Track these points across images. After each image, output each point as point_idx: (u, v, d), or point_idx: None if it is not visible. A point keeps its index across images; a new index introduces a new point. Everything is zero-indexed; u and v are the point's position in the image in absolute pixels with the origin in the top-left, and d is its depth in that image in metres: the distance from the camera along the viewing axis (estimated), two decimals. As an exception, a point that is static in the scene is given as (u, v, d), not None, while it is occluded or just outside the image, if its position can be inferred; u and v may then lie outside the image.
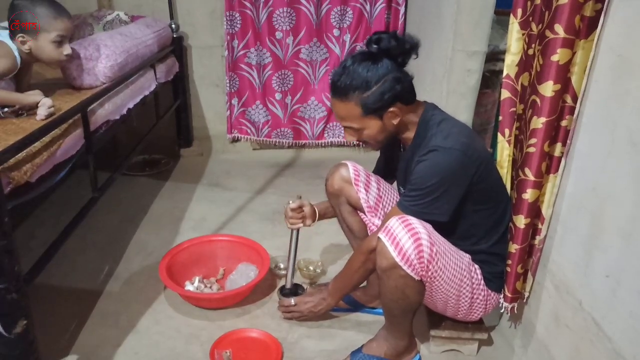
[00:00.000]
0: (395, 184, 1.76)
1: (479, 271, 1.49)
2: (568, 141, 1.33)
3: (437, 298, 1.46)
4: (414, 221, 1.33)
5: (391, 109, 1.38)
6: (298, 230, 1.76)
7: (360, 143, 1.52)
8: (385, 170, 1.72)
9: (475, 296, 1.49)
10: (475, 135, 1.49)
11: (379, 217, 1.64)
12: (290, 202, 1.75)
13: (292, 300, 1.72)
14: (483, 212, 1.46)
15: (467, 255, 1.48)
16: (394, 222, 1.33)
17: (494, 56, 2.45)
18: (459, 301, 1.48)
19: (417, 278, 1.35)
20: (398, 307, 1.44)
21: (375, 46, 1.37)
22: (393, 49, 1.35)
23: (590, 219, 1.26)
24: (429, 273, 1.35)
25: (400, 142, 1.54)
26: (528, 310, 1.56)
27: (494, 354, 1.66)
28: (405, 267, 1.32)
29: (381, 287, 1.42)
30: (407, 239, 1.30)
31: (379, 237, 1.35)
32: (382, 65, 1.35)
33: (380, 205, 1.65)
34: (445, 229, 1.41)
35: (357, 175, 1.65)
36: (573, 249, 1.34)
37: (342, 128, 1.50)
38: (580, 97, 1.28)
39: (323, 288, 1.70)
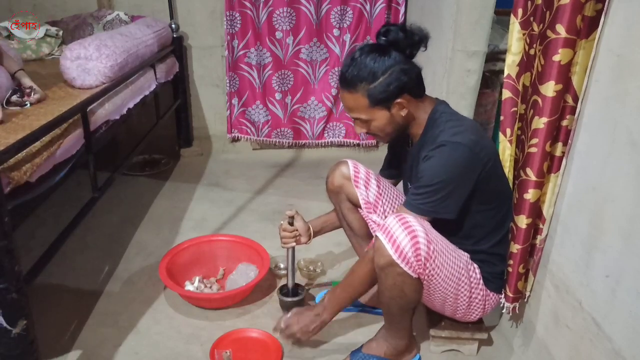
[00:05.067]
0: (393, 184, 1.77)
1: (477, 270, 1.49)
2: (569, 141, 1.33)
3: (435, 297, 1.46)
4: (411, 219, 1.33)
5: (398, 100, 1.38)
6: (293, 247, 1.75)
7: (371, 136, 1.49)
8: (392, 167, 1.72)
9: (473, 295, 1.49)
10: (484, 134, 1.49)
11: (378, 214, 1.64)
12: (282, 222, 1.75)
13: (282, 324, 1.54)
14: (487, 212, 1.46)
15: (466, 254, 1.48)
16: (391, 220, 1.33)
17: (494, 56, 2.45)
18: (457, 300, 1.48)
19: (414, 276, 1.35)
20: (396, 305, 1.44)
21: (383, 38, 1.38)
22: (401, 41, 1.36)
23: (590, 219, 1.26)
24: (427, 271, 1.35)
25: (408, 139, 1.54)
26: (528, 310, 1.56)
27: (494, 354, 1.66)
28: (402, 265, 1.32)
29: (379, 285, 1.42)
30: (404, 237, 1.30)
31: (376, 235, 1.36)
32: (389, 57, 1.35)
33: (380, 203, 1.65)
34: (447, 228, 1.41)
35: (357, 172, 1.65)
36: (573, 249, 1.34)
37: (352, 121, 1.50)
38: (580, 97, 1.28)
39: (314, 306, 1.56)
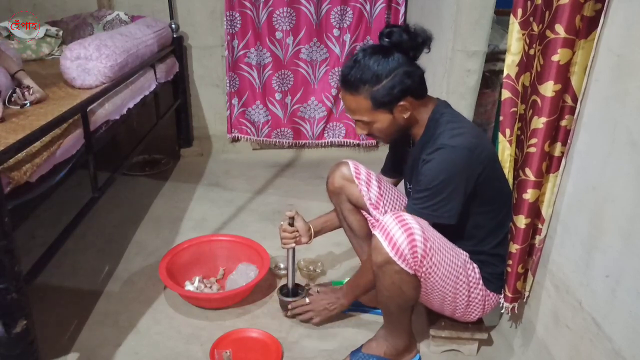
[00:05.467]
0: (395, 183, 1.77)
1: (477, 270, 1.48)
2: (568, 141, 1.33)
3: (433, 296, 1.46)
4: (408, 217, 1.33)
5: (401, 103, 1.38)
6: (294, 248, 1.76)
7: (371, 137, 1.50)
8: (394, 166, 1.72)
9: (472, 295, 1.49)
10: (484, 136, 1.49)
11: (381, 214, 1.64)
12: (282, 223, 1.75)
13: (307, 299, 1.72)
14: (487, 213, 1.46)
15: (465, 253, 1.48)
16: (388, 219, 1.34)
17: (494, 56, 2.45)
18: (456, 299, 1.47)
19: (411, 273, 1.35)
20: (394, 303, 1.44)
21: (386, 40, 1.37)
22: (404, 42, 1.35)
23: (590, 218, 1.26)
24: (424, 269, 1.35)
25: (409, 139, 1.54)
26: (528, 310, 1.56)
27: (494, 354, 1.66)
28: (399, 262, 1.32)
29: (377, 283, 1.43)
30: (400, 234, 1.30)
31: (373, 234, 1.36)
32: (392, 59, 1.35)
33: (381, 204, 1.65)
34: (449, 230, 1.41)
35: (358, 173, 1.65)
36: (573, 249, 1.34)
37: (354, 122, 1.50)
38: (580, 97, 1.28)
39: (337, 289, 1.71)
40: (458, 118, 1.45)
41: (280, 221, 1.79)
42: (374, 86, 1.35)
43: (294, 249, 1.75)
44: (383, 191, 1.66)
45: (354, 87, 1.37)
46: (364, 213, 1.69)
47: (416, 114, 1.44)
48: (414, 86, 1.38)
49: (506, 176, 1.55)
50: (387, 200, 1.67)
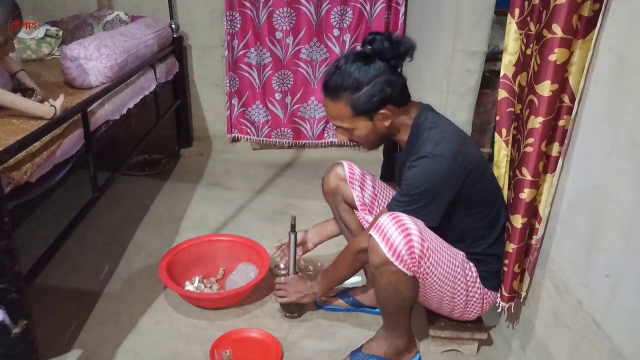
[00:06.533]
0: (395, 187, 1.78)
1: (474, 269, 1.49)
2: (566, 141, 1.33)
3: (431, 296, 1.46)
4: (405, 217, 1.33)
5: (382, 111, 1.38)
6: (295, 240, 1.77)
7: (353, 143, 1.52)
8: (388, 173, 1.73)
9: (470, 294, 1.49)
10: (469, 140, 1.48)
11: (374, 215, 1.65)
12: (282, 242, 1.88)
13: (283, 279, 1.75)
14: (475, 215, 1.46)
15: (461, 252, 1.48)
16: (385, 219, 1.34)
17: (494, 56, 2.45)
18: (454, 299, 1.48)
19: (409, 274, 1.35)
20: (392, 303, 1.44)
21: (369, 47, 1.37)
22: (386, 50, 1.35)
23: (590, 218, 1.26)
24: (421, 269, 1.35)
25: (396, 144, 1.55)
26: (527, 310, 1.56)
27: (493, 354, 1.66)
28: (396, 263, 1.32)
29: (375, 284, 1.43)
30: (397, 235, 1.31)
31: (370, 235, 1.36)
32: (374, 67, 1.35)
33: (376, 204, 1.66)
34: (439, 232, 1.41)
35: (352, 173, 1.66)
36: (573, 248, 1.34)
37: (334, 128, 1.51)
38: (578, 97, 1.28)
39: (312, 277, 1.74)
40: (441, 123, 1.43)
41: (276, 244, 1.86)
42: (354, 93, 1.35)
43: (295, 238, 1.76)
44: (378, 191, 1.67)
45: (335, 93, 1.37)
46: (357, 212, 1.70)
47: (398, 122, 1.44)
48: (395, 95, 1.37)
49: (502, 176, 1.56)
50: (382, 201, 1.67)
